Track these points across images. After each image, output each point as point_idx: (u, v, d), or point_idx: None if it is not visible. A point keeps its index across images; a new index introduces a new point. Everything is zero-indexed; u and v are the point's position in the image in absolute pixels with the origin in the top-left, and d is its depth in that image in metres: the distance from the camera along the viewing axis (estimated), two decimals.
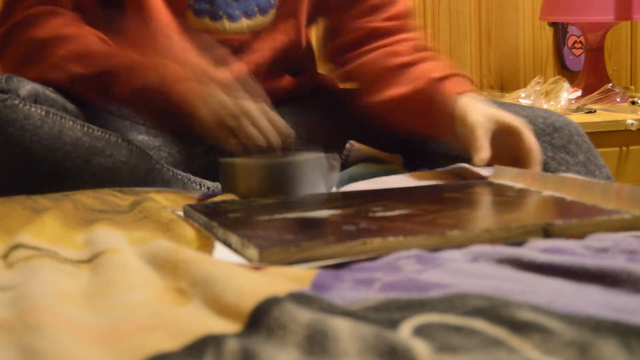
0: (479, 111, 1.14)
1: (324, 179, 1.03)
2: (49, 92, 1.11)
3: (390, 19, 1.34)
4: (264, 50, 1.31)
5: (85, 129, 1.10)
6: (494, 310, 0.50)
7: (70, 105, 1.13)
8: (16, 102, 1.06)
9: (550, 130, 1.24)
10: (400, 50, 1.29)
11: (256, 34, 1.29)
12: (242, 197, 0.99)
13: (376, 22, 1.34)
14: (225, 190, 1.03)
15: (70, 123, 1.09)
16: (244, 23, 1.27)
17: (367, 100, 1.30)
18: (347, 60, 1.36)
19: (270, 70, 1.33)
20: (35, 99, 1.09)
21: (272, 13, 1.29)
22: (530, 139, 1.11)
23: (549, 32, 2.53)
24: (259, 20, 1.28)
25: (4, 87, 1.07)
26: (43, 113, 1.07)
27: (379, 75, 1.29)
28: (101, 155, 1.09)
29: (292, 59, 1.37)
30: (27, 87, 1.09)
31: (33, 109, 1.07)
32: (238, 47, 1.28)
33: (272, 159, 1.04)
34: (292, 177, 1.00)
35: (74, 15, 1.20)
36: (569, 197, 0.87)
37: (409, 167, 1.26)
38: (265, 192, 0.99)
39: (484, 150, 1.09)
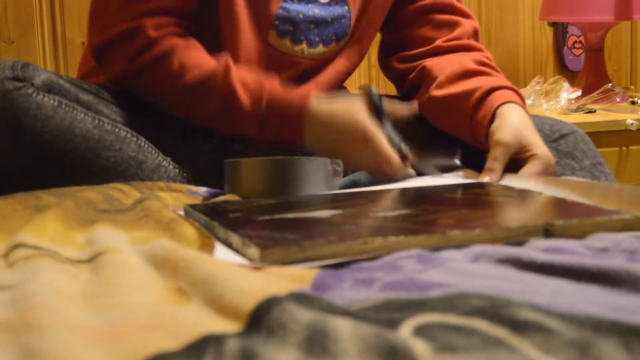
0: (510, 129, 1.12)
1: (327, 181, 1.04)
2: (63, 82, 1.12)
3: (457, 38, 1.35)
4: (327, 73, 1.34)
5: (96, 121, 1.11)
6: (494, 310, 0.50)
7: (83, 96, 1.14)
8: (30, 90, 1.08)
9: (557, 137, 1.24)
10: (463, 61, 1.29)
11: (325, 59, 1.32)
12: (246, 196, 0.99)
13: (443, 39, 1.35)
14: (229, 190, 1.04)
15: (82, 115, 1.10)
16: (320, 50, 1.30)
17: (420, 98, 1.30)
18: (409, 69, 1.37)
19: (328, 93, 1.35)
20: (49, 88, 1.10)
21: (344, 41, 1.32)
22: (536, 168, 1.09)
23: (549, 32, 2.53)
24: (333, 47, 1.31)
25: (20, 75, 1.08)
26: (56, 103, 1.09)
27: (436, 77, 1.29)
28: (110, 149, 1.11)
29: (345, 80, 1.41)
30: (42, 76, 1.10)
31: (46, 99, 1.08)
32: (307, 71, 1.30)
33: (276, 158, 1.04)
34: (295, 176, 1.01)
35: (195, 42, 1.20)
36: (569, 197, 0.87)
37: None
38: (268, 191, 1.00)
39: (493, 174, 1.08)
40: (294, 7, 1.25)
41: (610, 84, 2.27)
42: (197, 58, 1.16)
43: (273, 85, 1.14)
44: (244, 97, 1.14)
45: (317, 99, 1.13)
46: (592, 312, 0.50)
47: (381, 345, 0.44)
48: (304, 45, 1.28)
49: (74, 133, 1.09)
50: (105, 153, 1.10)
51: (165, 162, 1.17)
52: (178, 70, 1.15)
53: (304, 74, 1.31)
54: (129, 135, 1.14)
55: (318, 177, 1.03)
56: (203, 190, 1.09)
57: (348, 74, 1.38)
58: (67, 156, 1.08)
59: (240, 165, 1.04)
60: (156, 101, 1.21)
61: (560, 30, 2.52)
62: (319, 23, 1.28)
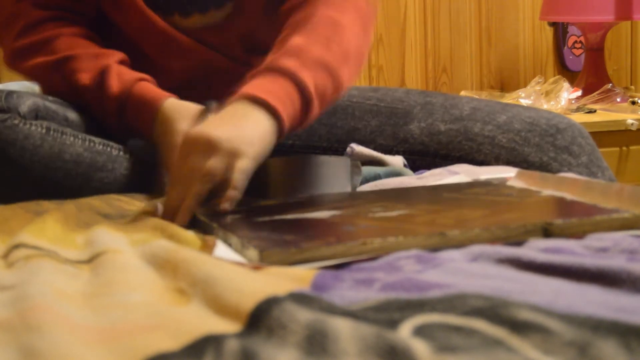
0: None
1: (349, 180, 1.03)
2: (49, 104, 1.11)
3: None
4: (227, 37, 1.27)
5: (87, 143, 1.10)
6: (494, 310, 0.50)
7: (71, 115, 1.12)
8: (16, 121, 1.06)
9: (554, 131, 1.23)
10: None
11: (211, 27, 1.26)
12: (272, 197, 0.98)
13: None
14: (253, 194, 0.96)
15: (72, 139, 1.09)
16: (197, 18, 1.25)
17: None
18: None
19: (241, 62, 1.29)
20: (36, 114, 1.08)
21: (228, 6, 1.25)
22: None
23: (549, 32, 2.53)
24: (213, 13, 1.25)
25: (4, 106, 1.06)
26: (44, 131, 1.07)
27: None
28: (102, 171, 1.09)
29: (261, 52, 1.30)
30: (27, 102, 1.08)
31: (33, 128, 1.06)
32: (191, 41, 1.26)
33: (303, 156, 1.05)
34: (323, 174, 1.01)
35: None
36: (568, 196, 0.87)
37: (409, 169, 1.26)
38: (295, 189, 0.98)
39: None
40: None
41: (610, 84, 2.27)
42: (78, 42, 1.18)
43: (145, 82, 1.14)
44: (114, 81, 1.13)
45: (176, 101, 1.11)
46: (592, 312, 0.50)
47: (381, 345, 0.44)
48: (176, 16, 1.24)
49: (64, 159, 1.07)
50: (98, 175, 1.09)
51: (159, 177, 1.15)
52: (59, 52, 1.17)
53: (194, 45, 1.25)
54: (121, 154, 1.12)
55: (343, 176, 1.02)
56: None
57: (248, 41, 1.28)
58: (59, 183, 1.07)
59: (267, 165, 0.99)
60: (39, 83, 1.23)
61: (560, 30, 2.52)
62: None
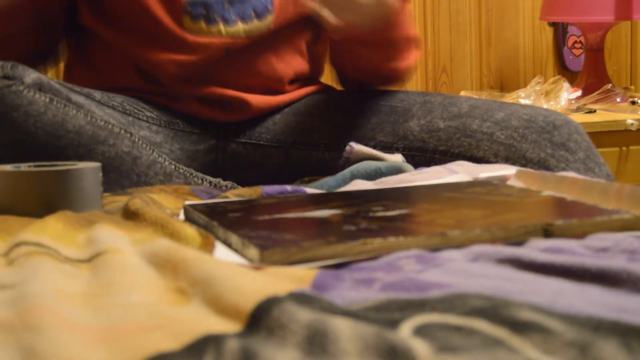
0: None
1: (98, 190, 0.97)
2: (53, 83, 1.13)
3: None
4: (264, 53, 1.33)
5: (89, 117, 1.12)
6: (494, 310, 0.50)
7: (74, 97, 1.14)
8: (20, 88, 1.08)
9: (550, 128, 1.24)
10: None
11: (253, 37, 1.31)
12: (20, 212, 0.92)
13: None
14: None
15: (74, 111, 1.11)
16: (240, 27, 1.28)
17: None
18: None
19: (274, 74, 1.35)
20: (40, 87, 1.10)
21: (270, 17, 1.30)
22: None
23: (549, 32, 2.53)
24: (256, 24, 1.30)
25: (9, 74, 1.08)
26: (47, 100, 1.09)
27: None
28: (104, 144, 1.11)
29: (295, 66, 1.38)
30: (32, 75, 1.10)
31: (37, 96, 1.09)
32: (232, 52, 1.29)
33: (36, 167, 0.96)
34: (73, 187, 0.94)
35: None
36: (569, 197, 0.87)
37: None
38: (29, 203, 0.92)
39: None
40: None
41: (610, 84, 2.27)
42: None
43: None
44: None
45: None
46: (592, 312, 0.50)
47: (381, 345, 0.44)
48: (220, 25, 1.27)
49: (67, 129, 1.09)
50: (100, 148, 1.10)
51: (160, 158, 1.17)
52: None
53: (229, 54, 1.30)
54: (122, 132, 1.14)
55: (88, 189, 0.94)
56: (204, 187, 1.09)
57: (287, 55, 1.37)
58: (61, 152, 1.08)
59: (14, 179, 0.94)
60: None
61: (560, 30, 2.52)
62: (233, 1, 1.28)
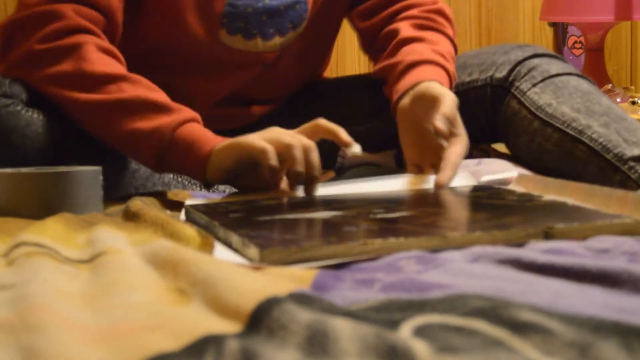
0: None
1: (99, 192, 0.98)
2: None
3: None
4: (291, 60, 1.31)
5: (87, 133, 1.09)
6: (495, 311, 0.50)
7: None
8: (19, 108, 1.06)
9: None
10: (400, 27, 1.27)
11: (286, 47, 1.29)
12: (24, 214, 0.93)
13: None
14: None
15: (73, 128, 1.08)
16: (277, 41, 1.26)
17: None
18: (369, 29, 1.35)
19: (293, 78, 1.35)
20: (40, 100, 1.07)
21: (303, 25, 1.28)
22: (459, 149, 1.05)
23: (549, 32, 2.53)
24: (291, 36, 1.27)
25: (8, 92, 1.06)
26: (45, 119, 1.07)
27: (380, 50, 1.29)
28: (103, 161, 1.09)
29: (314, 66, 1.39)
30: (30, 89, 1.07)
31: (35, 115, 1.06)
32: (268, 65, 1.28)
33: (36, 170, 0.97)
34: (72, 189, 0.95)
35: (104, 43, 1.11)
36: (570, 201, 0.87)
37: (401, 161, 1.25)
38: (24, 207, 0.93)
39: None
40: (242, 2, 1.21)
41: (611, 84, 2.26)
42: (108, 66, 1.07)
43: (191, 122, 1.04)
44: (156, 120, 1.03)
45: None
46: (593, 313, 0.50)
47: (381, 345, 0.44)
48: (258, 40, 1.23)
49: (65, 146, 1.08)
50: (99, 165, 1.09)
51: None
52: (87, 71, 1.05)
53: (265, 68, 1.28)
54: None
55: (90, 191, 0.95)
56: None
57: (312, 58, 1.36)
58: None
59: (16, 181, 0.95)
60: (49, 97, 1.08)
61: (560, 30, 2.52)
62: (271, 14, 1.23)
